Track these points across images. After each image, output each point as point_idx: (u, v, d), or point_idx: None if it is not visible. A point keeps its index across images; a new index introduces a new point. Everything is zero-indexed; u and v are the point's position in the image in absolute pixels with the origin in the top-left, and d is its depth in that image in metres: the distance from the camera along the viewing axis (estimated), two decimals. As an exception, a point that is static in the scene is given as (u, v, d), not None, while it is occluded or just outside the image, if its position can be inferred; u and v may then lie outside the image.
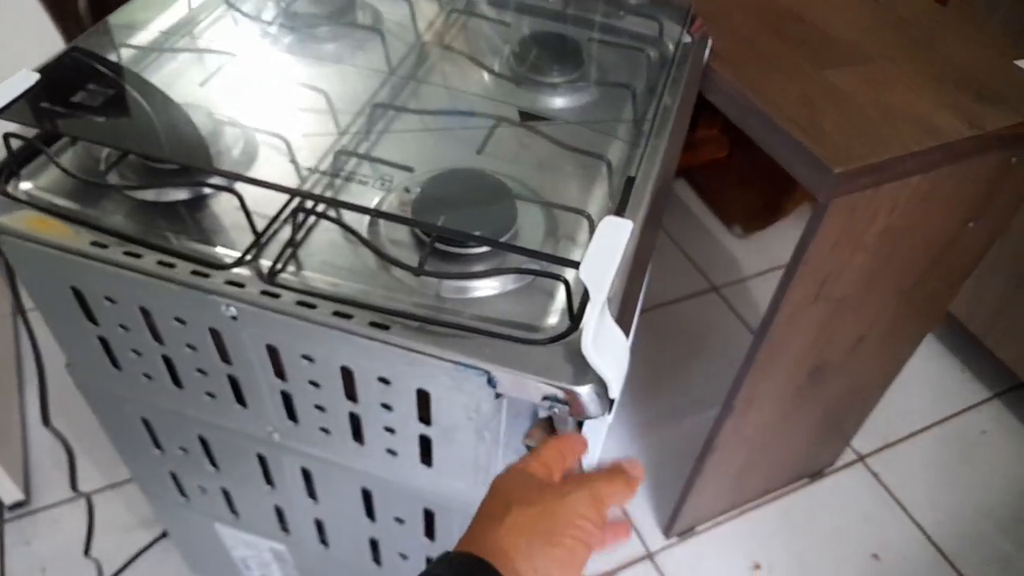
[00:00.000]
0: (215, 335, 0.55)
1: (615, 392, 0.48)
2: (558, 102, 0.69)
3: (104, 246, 0.52)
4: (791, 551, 1.26)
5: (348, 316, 0.50)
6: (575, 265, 0.48)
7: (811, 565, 1.24)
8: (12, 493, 1.20)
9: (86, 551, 0.96)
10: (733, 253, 1.76)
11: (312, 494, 0.69)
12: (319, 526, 0.74)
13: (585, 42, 0.74)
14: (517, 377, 0.48)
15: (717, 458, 1.11)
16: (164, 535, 1.18)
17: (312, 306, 0.50)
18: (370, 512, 0.68)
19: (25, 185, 0.56)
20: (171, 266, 0.52)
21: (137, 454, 0.75)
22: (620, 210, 0.53)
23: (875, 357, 1.10)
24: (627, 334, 0.51)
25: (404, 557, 0.73)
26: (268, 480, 0.70)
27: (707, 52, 0.80)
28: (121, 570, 1.15)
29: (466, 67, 0.71)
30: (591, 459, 0.59)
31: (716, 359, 1.52)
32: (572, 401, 0.48)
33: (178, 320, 0.55)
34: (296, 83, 0.67)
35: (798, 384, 1.04)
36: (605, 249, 0.49)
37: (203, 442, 0.69)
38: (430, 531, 0.67)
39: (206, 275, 0.52)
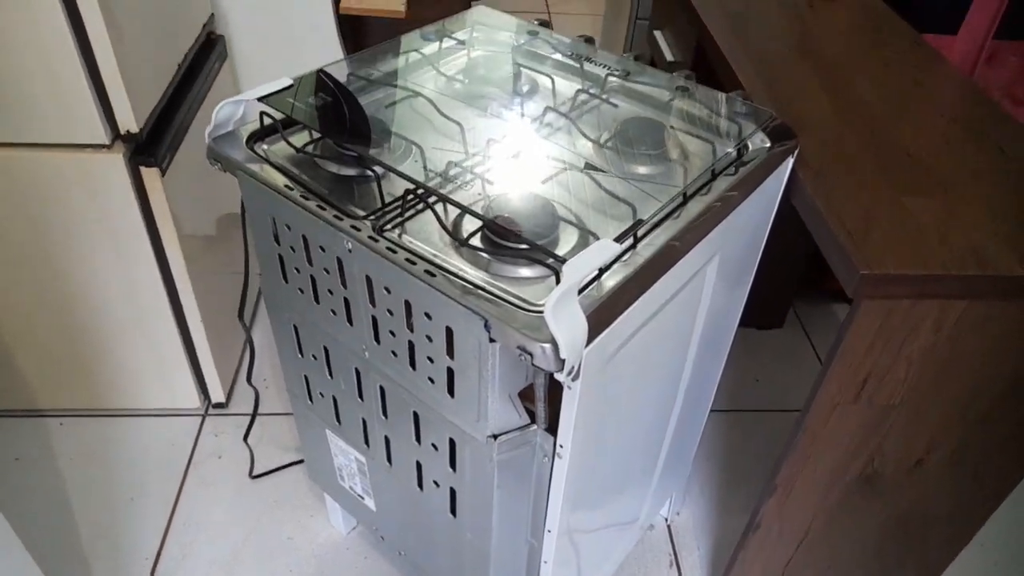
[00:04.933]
0: (340, 265, 0.82)
1: (565, 353, 0.66)
2: (626, 167, 0.89)
3: (291, 189, 0.82)
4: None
5: (413, 263, 0.74)
6: (563, 261, 0.68)
7: None
8: (218, 395, 1.59)
9: (245, 437, 1.27)
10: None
11: (384, 412, 0.93)
12: (387, 443, 0.97)
13: (669, 129, 0.94)
14: (503, 327, 0.68)
15: (761, 538, 1.17)
16: (301, 461, 1.48)
17: (395, 252, 0.75)
18: (418, 436, 0.90)
19: (263, 147, 0.88)
20: (324, 209, 0.80)
21: (288, 356, 1.05)
22: (618, 239, 0.72)
23: (945, 488, 1.11)
24: (597, 333, 0.69)
25: (436, 484, 0.93)
26: (360, 394, 0.95)
27: (791, 161, 0.95)
28: (267, 473, 1.47)
29: (571, 131, 0.94)
30: (566, 426, 0.77)
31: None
32: (534, 352, 0.67)
33: (321, 248, 0.82)
34: (449, 117, 0.95)
35: (847, 486, 1.09)
36: (589, 257, 0.69)
37: (326, 351, 0.96)
38: (452, 462, 0.88)
39: (341, 219, 0.79)
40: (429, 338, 0.77)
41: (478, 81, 1.02)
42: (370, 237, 0.77)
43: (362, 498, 1.14)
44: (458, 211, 0.80)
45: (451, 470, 0.89)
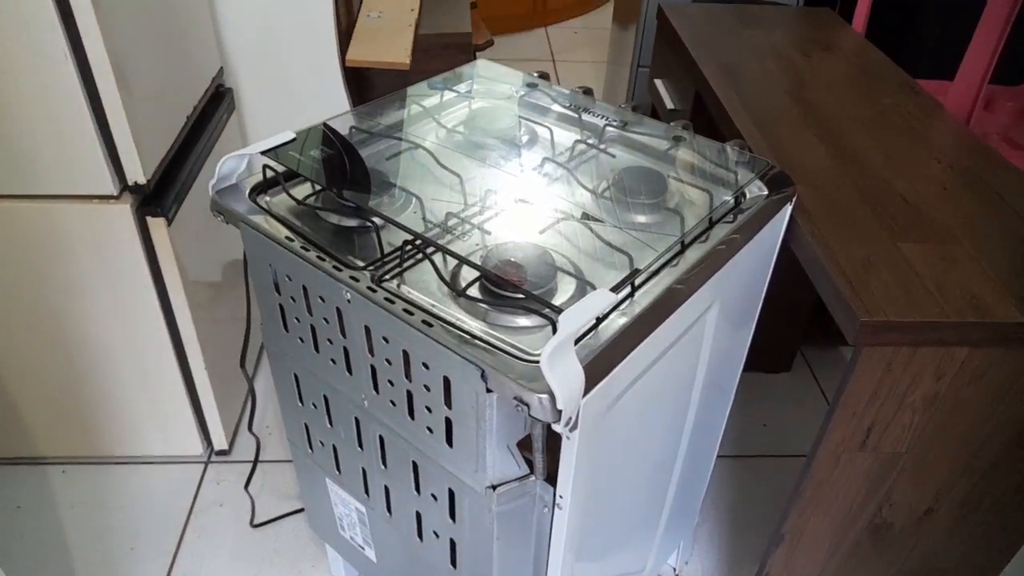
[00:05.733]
0: (339, 315, 0.83)
1: (562, 404, 0.66)
2: (624, 216, 0.89)
3: (292, 240, 0.83)
4: None
5: (411, 313, 0.74)
6: (560, 311, 0.68)
7: None
8: (221, 442, 1.58)
9: (246, 485, 1.26)
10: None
11: (384, 461, 0.93)
12: (387, 492, 0.97)
13: (668, 177, 0.95)
14: (499, 377, 0.68)
15: (770, 589, 1.15)
16: (303, 510, 1.47)
17: (393, 302, 0.76)
18: (417, 486, 0.90)
19: (266, 199, 0.90)
20: (323, 260, 0.81)
21: (288, 404, 1.05)
22: (615, 288, 0.72)
23: (956, 539, 1.09)
24: (595, 383, 0.69)
25: (436, 535, 0.92)
26: (359, 443, 0.95)
27: (789, 208, 0.96)
28: (268, 522, 1.46)
29: (570, 180, 0.95)
30: (565, 476, 0.76)
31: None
32: (530, 403, 0.67)
33: (320, 298, 0.83)
34: (448, 168, 0.96)
35: (857, 536, 1.07)
36: (585, 306, 0.69)
37: (325, 400, 0.96)
38: (452, 513, 0.87)
39: (340, 270, 0.79)
40: (427, 388, 0.77)
41: (478, 132, 1.04)
42: (368, 287, 0.77)
43: (363, 548, 1.13)
44: (456, 261, 0.81)
45: (451, 521, 0.88)
